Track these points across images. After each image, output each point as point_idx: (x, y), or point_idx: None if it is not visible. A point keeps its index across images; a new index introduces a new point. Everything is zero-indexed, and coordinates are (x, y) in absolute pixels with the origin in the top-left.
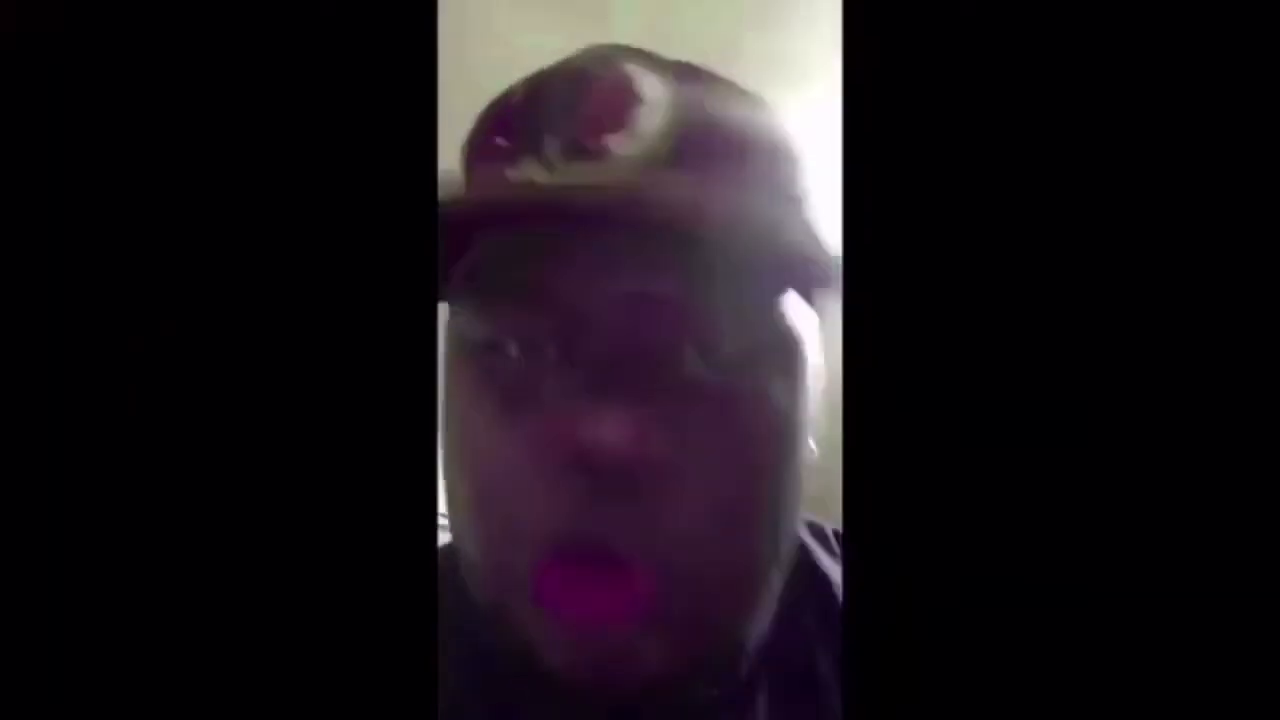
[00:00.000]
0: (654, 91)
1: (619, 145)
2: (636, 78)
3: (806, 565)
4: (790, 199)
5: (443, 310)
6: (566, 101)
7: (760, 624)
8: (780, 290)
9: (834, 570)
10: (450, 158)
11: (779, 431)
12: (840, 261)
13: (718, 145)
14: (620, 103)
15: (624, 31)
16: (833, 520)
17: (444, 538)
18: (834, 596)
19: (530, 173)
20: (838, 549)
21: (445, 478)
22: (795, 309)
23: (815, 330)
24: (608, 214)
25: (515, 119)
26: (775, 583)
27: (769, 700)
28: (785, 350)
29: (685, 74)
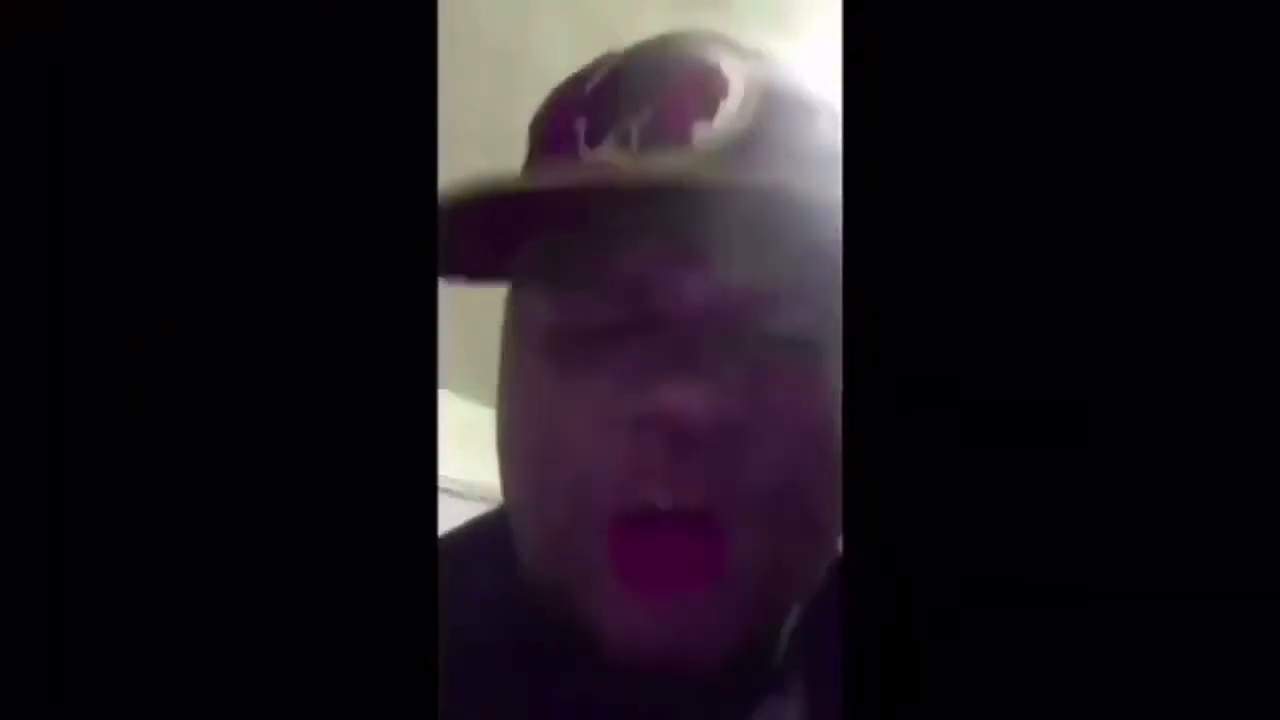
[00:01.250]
0: (738, 80)
1: (702, 131)
2: (723, 64)
3: None
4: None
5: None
6: (650, 85)
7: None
8: (830, 277)
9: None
10: (450, 153)
11: (836, 414)
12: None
13: (799, 135)
14: (706, 89)
15: None
16: None
17: (443, 527)
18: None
19: (609, 156)
20: None
21: (507, 460)
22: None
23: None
24: (688, 200)
25: (594, 102)
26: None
27: (805, 685)
28: (834, 336)
29: (765, 62)
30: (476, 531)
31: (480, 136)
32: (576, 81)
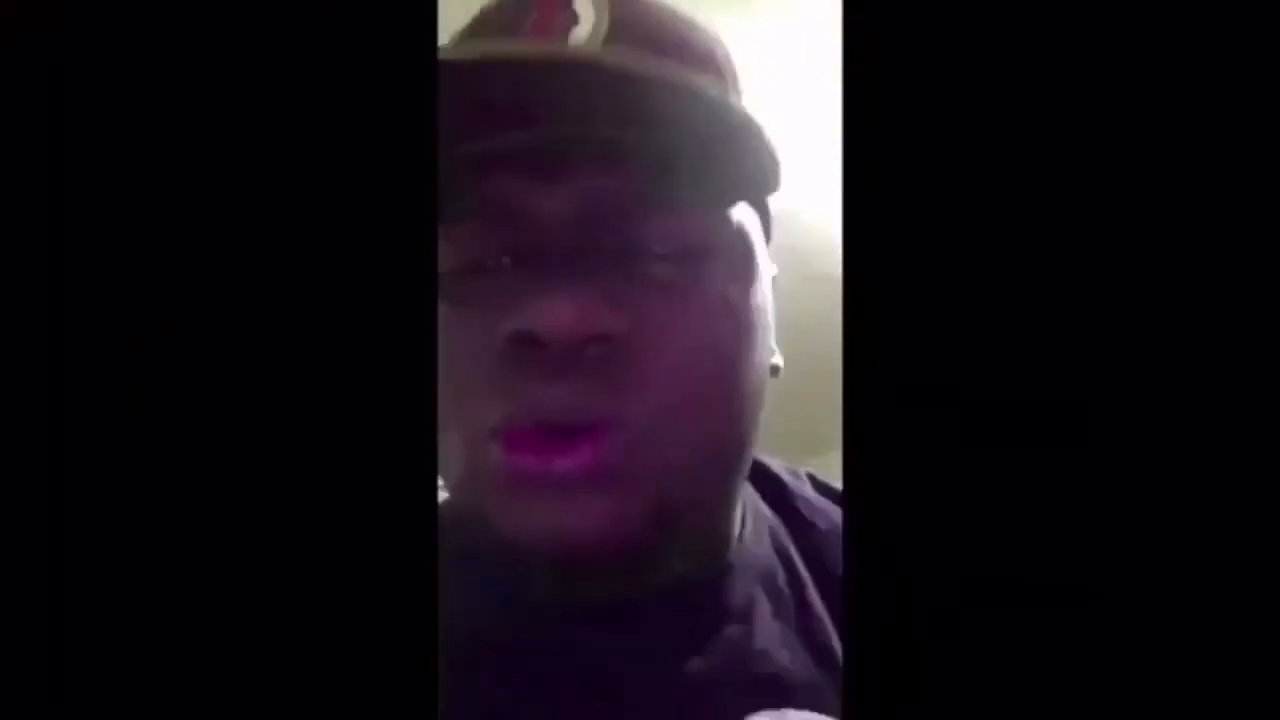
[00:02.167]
0: (586, 9)
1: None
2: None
3: (781, 496)
4: (731, 108)
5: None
6: (509, 22)
7: (732, 523)
8: (731, 195)
9: (821, 512)
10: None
11: (735, 329)
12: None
13: (656, 44)
14: (559, 17)
15: None
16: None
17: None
18: (819, 531)
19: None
20: (810, 490)
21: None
22: (746, 216)
23: (763, 239)
24: (568, 72)
25: (468, 45)
26: (737, 484)
27: (764, 601)
28: (738, 253)
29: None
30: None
31: None
32: (454, 38)
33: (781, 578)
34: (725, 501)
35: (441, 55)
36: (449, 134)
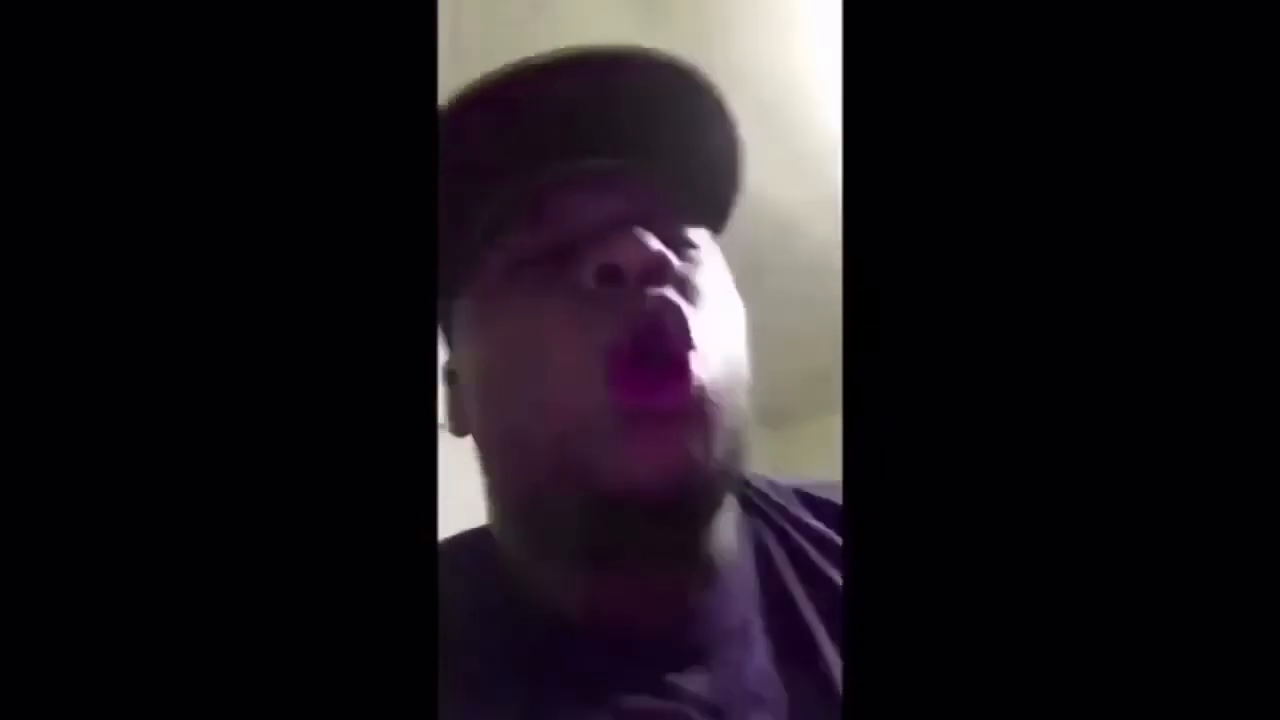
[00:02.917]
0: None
1: None
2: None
3: (768, 511)
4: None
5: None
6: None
7: (731, 511)
8: (701, 204)
9: (806, 527)
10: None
11: (738, 310)
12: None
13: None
14: None
15: None
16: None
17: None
18: (807, 547)
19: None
20: (798, 505)
21: (493, 387)
22: (707, 243)
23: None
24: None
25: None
26: (746, 452)
27: (757, 621)
28: (718, 255)
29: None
30: (454, 544)
31: None
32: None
33: (773, 597)
34: (742, 458)
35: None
36: (495, 162)
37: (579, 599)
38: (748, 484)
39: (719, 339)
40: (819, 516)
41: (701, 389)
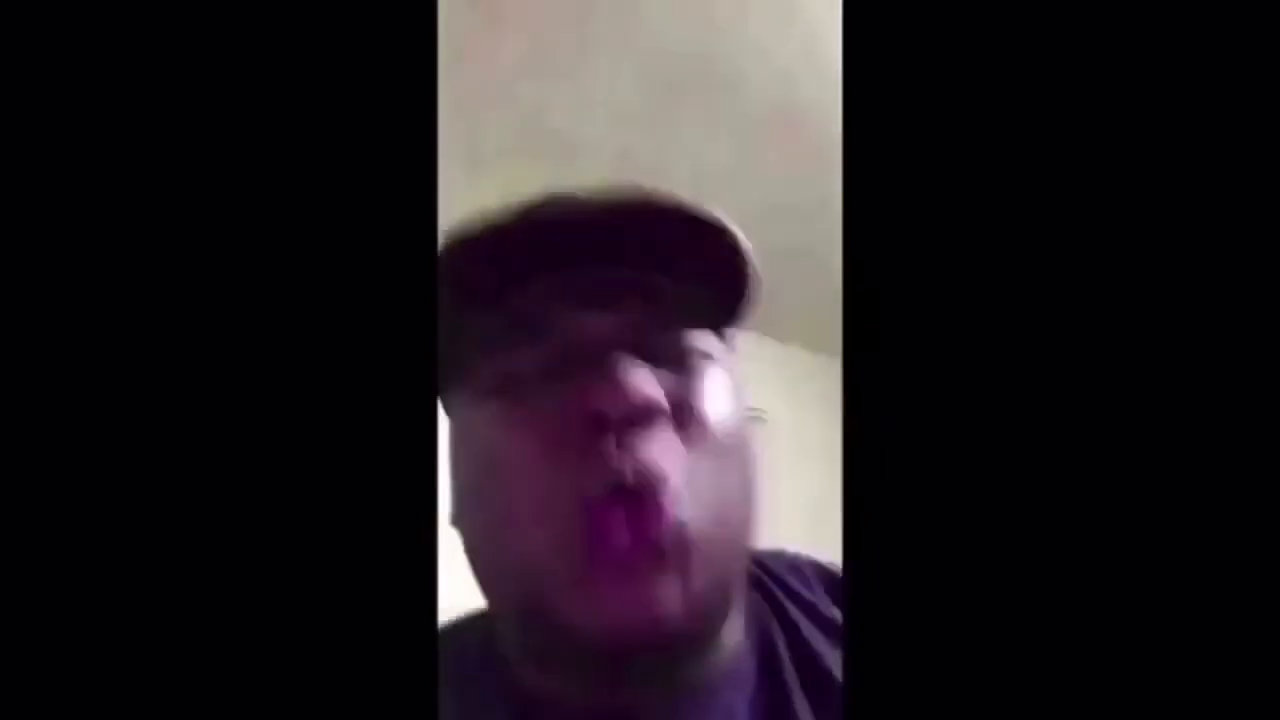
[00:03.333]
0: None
1: None
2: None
3: (770, 588)
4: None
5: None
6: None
7: (733, 616)
8: (715, 323)
9: (808, 605)
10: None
11: (740, 419)
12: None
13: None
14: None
15: None
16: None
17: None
18: (805, 629)
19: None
20: (796, 583)
21: (470, 498)
22: (719, 348)
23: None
24: (584, 238)
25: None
26: (743, 572)
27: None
28: (729, 360)
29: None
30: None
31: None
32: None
33: (767, 685)
34: (739, 584)
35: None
36: (502, 278)
37: (573, 693)
38: (764, 565)
39: (711, 476)
40: (825, 585)
41: (682, 536)
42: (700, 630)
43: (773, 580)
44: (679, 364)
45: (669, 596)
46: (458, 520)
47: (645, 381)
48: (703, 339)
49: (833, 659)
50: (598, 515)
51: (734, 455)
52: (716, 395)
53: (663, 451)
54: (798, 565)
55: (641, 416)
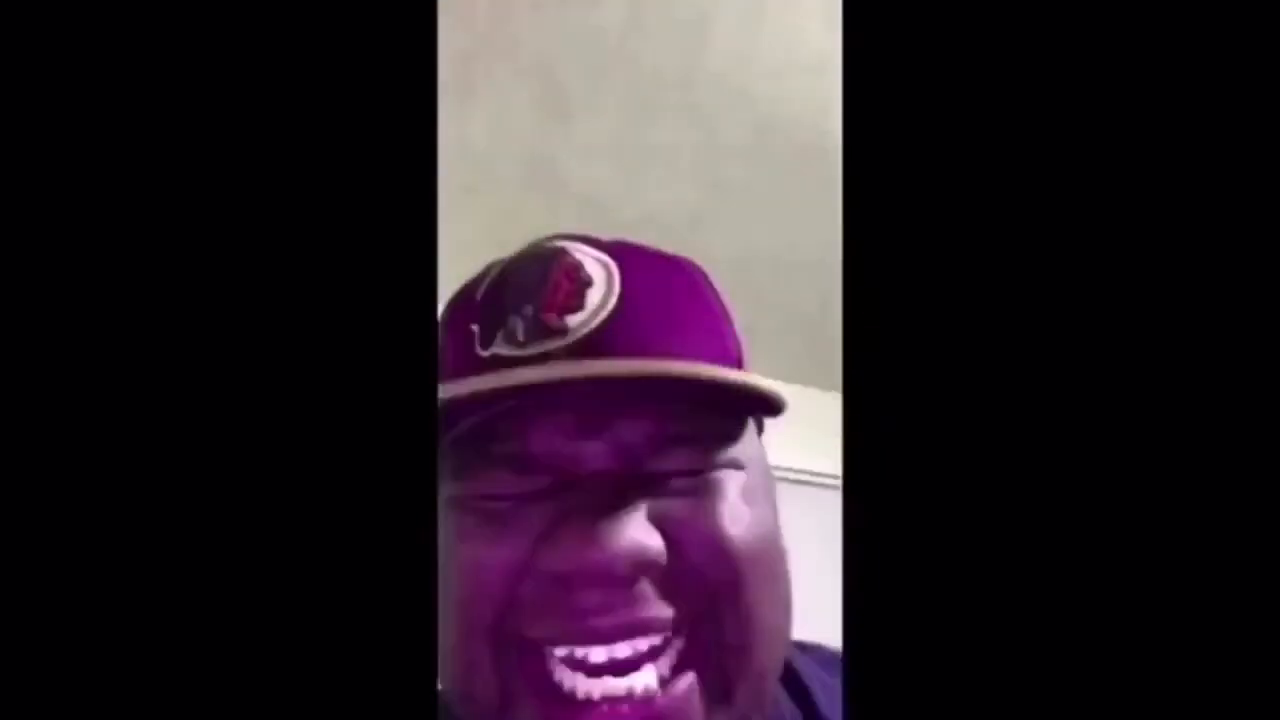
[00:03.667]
0: (599, 272)
1: (575, 320)
2: (585, 263)
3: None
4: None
5: None
6: (528, 288)
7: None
8: (734, 420)
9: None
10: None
11: (760, 532)
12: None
13: (657, 313)
14: (575, 287)
15: None
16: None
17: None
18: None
19: (502, 350)
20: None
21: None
22: (750, 435)
23: (765, 453)
24: (565, 384)
25: (483, 308)
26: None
27: None
28: (752, 462)
29: (622, 249)
30: None
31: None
32: (466, 292)
33: None
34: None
35: (483, 385)
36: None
37: None
38: (796, 668)
39: (731, 605)
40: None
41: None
42: None
43: (806, 678)
44: (687, 475)
45: None
46: None
47: (624, 541)
48: (720, 448)
49: None
50: (571, 669)
51: (760, 570)
52: (733, 515)
53: (648, 614)
54: (825, 655)
55: (623, 579)
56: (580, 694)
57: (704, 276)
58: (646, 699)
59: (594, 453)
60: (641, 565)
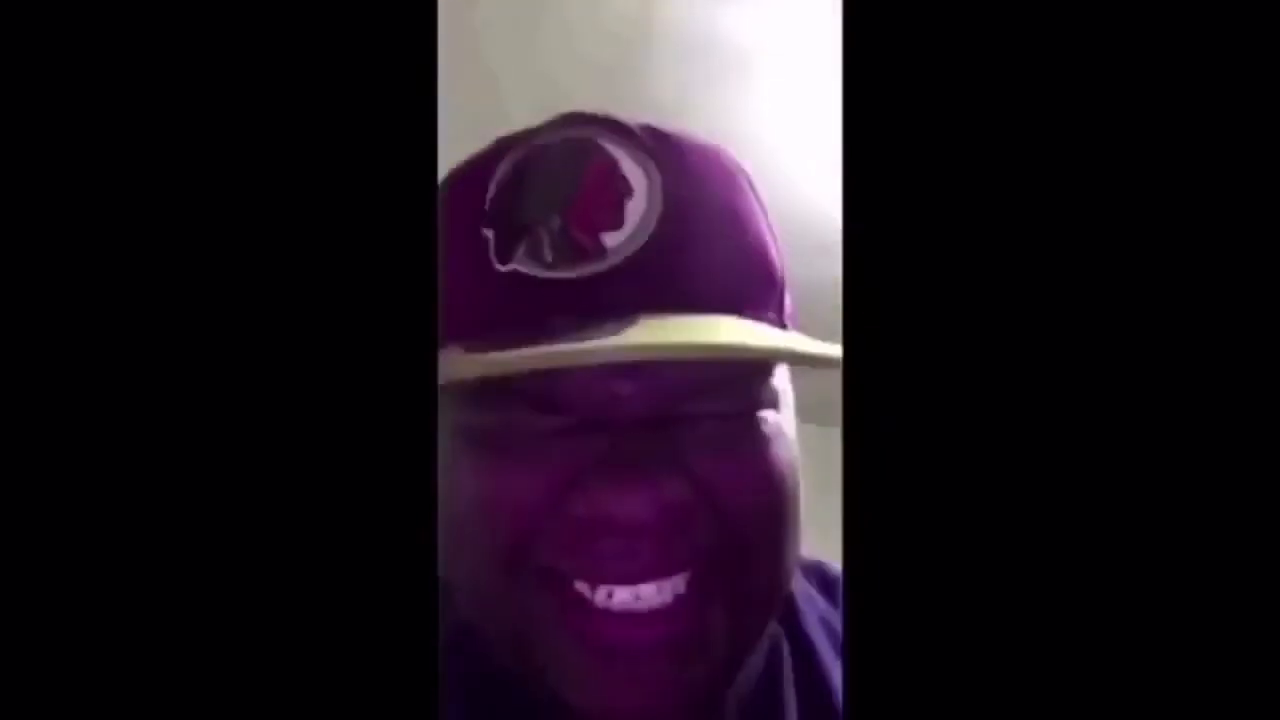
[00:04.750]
0: (638, 178)
1: (613, 241)
2: (622, 162)
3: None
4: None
5: None
6: (555, 194)
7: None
8: (774, 372)
9: (820, 623)
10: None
11: (783, 477)
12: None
13: (702, 233)
14: (610, 193)
15: None
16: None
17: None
18: (816, 652)
19: (525, 267)
20: (814, 593)
21: (450, 545)
22: (781, 367)
23: (790, 395)
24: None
25: (498, 212)
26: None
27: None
28: (778, 405)
29: (658, 143)
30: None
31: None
32: (473, 176)
33: (764, 705)
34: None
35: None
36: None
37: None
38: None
39: (736, 538)
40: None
41: (694, 615)
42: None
43: (798, 598)
44: (727, 434)
45: (673, 690)
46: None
47: (654, 491)
48: (760, 389)
49: (838, 675)
50: (593, 612)
51: (790, 511)
52: (770, 459)
53: (671, 556)
54: (825, 573)
55: (644, 530)
56: (599, 603)
57: (739, 167)
58: (670, 615)
59: (629, 394)
60: (672, 516)
